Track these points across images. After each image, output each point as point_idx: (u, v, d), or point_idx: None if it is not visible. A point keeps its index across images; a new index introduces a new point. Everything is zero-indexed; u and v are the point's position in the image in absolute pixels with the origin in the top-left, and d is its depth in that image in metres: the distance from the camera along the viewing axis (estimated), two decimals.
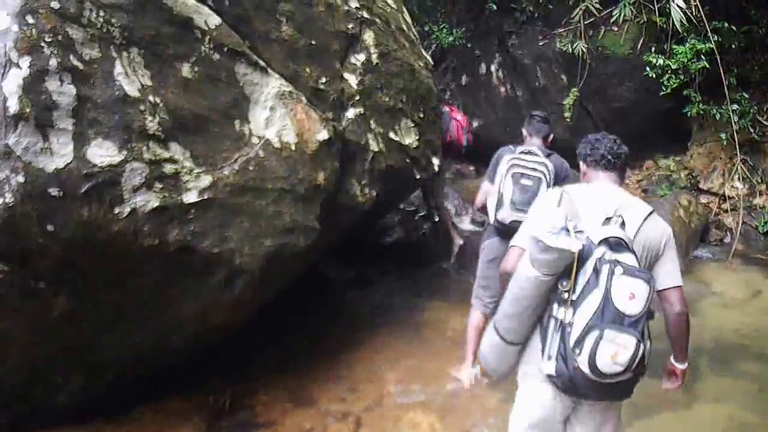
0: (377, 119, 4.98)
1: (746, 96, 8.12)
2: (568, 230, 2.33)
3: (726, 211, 8.15)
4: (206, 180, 3.45)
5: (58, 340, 3.35)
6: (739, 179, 8.15)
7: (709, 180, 8.56)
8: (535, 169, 4.03)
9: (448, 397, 4.26)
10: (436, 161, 5.91)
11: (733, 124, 7.90)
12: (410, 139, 5.44)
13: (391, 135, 5.17)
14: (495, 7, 9.67)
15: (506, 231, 3.96)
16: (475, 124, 10.67)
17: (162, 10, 3.40)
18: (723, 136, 8.22)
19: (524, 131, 4.57)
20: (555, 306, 2.44)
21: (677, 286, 2.61)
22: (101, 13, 3.16)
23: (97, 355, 3.57)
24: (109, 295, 3.35)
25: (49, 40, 2.93)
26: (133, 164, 3.14)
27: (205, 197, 3.43)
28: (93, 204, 3.01)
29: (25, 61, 2.85)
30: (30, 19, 2.90)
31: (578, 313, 2.34)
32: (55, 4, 2.97)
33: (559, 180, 4.08)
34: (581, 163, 2.86)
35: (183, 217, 3.35)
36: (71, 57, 3.00)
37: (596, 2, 8.46)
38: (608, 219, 2.51)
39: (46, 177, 2.86)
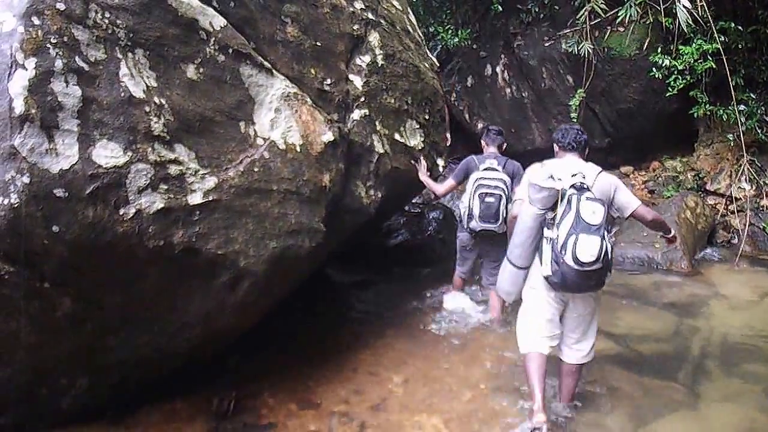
0: (382, 121, 4.98)
1: (753, 97, 8.10)
2: (553, 177, 3.59)
3: (733, 212, 8.12)
4: (211, 181, 3.45)
5: (63, 342, 3.34)
6: (746, 180, 8.13)
7: (716, 181, 8.53)
8: (497, 187, 5.11)
9: (453, 400, 4.24)
10: (441, 162, 5.90)
11: (740, 124, 7.88)
12: (416, 141, 5.44)
13: (397, 136, 5.16)
14: (500, 8, 9.66)
15: (475, 234, 5.33)
16: (480, 125, 10.66)
17: (167, 12, 3.40)
18: (730, 137, 8.20)
19: (483, 141, 5.66)
20: (546, 230, 3.61)
21: (638, 206, 3.77)
22: (107, 15, 3.16)
23: (102, 357, 3.55)
24: (114, 296, 3.34)
25: (55, 41, 2.93)
26: (138, 165, 3.14)
27: (210, 199, 3.43)
28: (98, 205, 3.00)
29: (31, 63, 2.85)
30: (35, 21, 2.90)
31: (560, 228, 3.48)
32: (61, 6, 2.97)
33: (515, 180, 5.12)
34: (555, 145, 3.98)
35: (188, 218, 3.34)
36: (77, 58, 3.00)
37: (602, 3, 8.44)
38: (574, 175, 3.61)
39: (51, 178, 2.85)
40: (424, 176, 5.58)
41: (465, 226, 5.33)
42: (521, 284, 3.84)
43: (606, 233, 3.46)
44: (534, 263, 3.75)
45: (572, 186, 3.53)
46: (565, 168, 3.70)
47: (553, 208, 3.56)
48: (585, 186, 3.55)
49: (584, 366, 3.99)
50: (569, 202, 3.49)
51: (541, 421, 3.57)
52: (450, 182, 5.53)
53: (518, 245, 3.73)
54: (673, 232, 4.03)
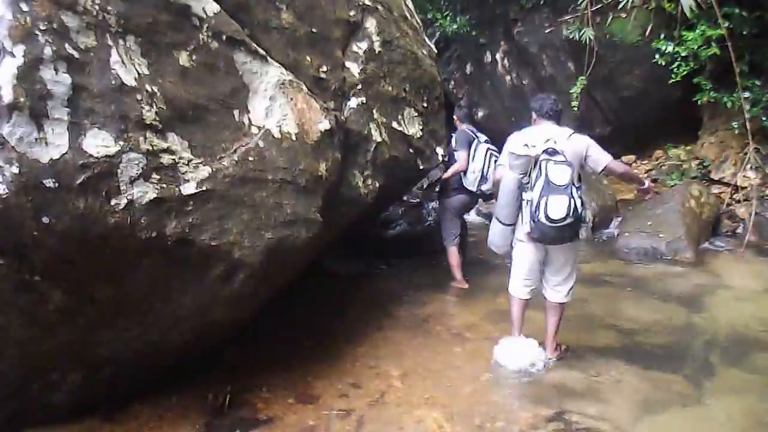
0: (380, 109, 4.90)
1: (758, 83, 7.99)
2: (527, 145, 4.18)
3: (738, 201, 8.05)
4: (205, 171, 3.37)
5: (54, 336, 3.29)
6: (751, 169, 8.04)
7: (721, 170, 8.45)
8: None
9: (453, 393, 4.19)
10: (440, 151, 5.83)
11: (745, 112, 7.78)
12: (414, 129, 5.37)
13: (394, 125, 5.09)
14: None
15: (481, 195, 6.24)
16: (480, 113, 10.60)
17: None
18: (735, 124, 8.11)
19: (455, 117, 6.52)
20: (524, 194, 4.23)
21: (609, 161, 4.25)
22: (97, 1, 3.07)
23: (94, 351, 3.50)
24: (106, 289, 3.27)
25: (44, 28, 2.85)
26: (130, 155, 3.06)
27: (204, 188, 3.35)
28: (89, 195, 2.93)
29: (19, 50, 2.77)
30: (24, 7, 2.82)
31: (534, 191, 4.07)
32: None
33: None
34: (534, 113, 4.48)
35: (181, 209, 3.26)
36: (66, 45, 2.92)
37: None
38: (547, 141, 4.16)
39: (41, 168, 2.78)
40: (446, 173, 6.22)
41: (475, 189, 6.09)
42: (509, 238, 4.44)
43: (575, 190, 4.01)
44: (519, 223, 4.34)
45: (544, 151, 4.10)
46: (540, 134, 4.26)
47: (530, 173, 4.14)
48: (556, 150, 4.09)
49: (564, 305, 4.55)
50: (540, 167, 4.07)
51: (517, 337, 4.58)
52: (465, 154, 6.10)
53: (504, 206, 4.34)
54: (646, 183, 4.51)
